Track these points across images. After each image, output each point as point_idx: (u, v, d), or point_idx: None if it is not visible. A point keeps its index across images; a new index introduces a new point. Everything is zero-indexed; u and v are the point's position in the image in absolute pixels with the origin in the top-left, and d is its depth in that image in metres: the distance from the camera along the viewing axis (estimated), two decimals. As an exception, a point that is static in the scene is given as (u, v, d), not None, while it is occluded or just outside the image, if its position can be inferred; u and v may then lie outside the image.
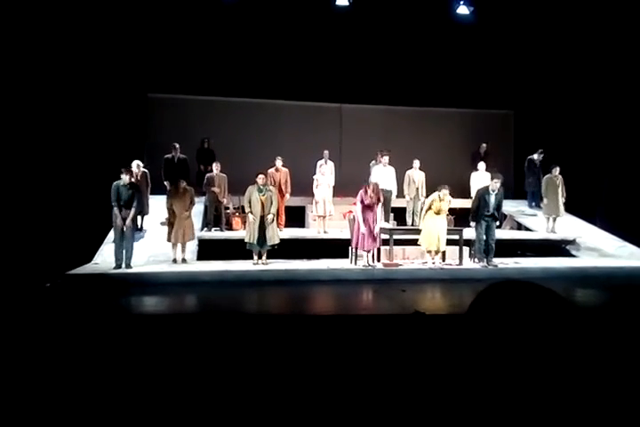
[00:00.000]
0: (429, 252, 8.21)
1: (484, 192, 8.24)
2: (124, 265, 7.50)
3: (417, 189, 10.09)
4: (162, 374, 2.91)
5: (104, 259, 7.97)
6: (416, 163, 10.26)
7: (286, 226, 9.81)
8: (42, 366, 3.01)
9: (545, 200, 10.09)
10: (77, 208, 8.20)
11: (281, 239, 8.24)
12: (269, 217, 7.91)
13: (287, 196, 9.75)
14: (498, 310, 0.96)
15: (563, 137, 11.29)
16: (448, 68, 11.94)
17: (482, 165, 10.42)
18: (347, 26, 11.30)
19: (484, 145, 11.48)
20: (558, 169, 10.10)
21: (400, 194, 10.23)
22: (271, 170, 9.69)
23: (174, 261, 7.96)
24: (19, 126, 8.77)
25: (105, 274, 7.31)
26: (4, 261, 6.67)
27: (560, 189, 9.99)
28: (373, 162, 10.61)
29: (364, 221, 7.80)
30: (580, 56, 11.04)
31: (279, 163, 9.76)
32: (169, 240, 7.99)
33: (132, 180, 8.03)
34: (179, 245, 7.99)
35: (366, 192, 7.96)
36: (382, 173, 9.85)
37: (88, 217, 8.06)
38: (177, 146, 9.87)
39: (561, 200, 9.98)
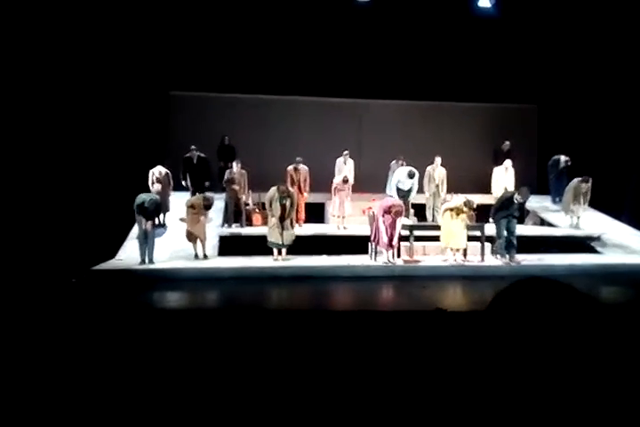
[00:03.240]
0: (450, 249, 8.14)
1: (509, 198, 8.15)
2: (147, 261, 7.62)
3: (437, 185, 9.98)
4: (183, 369, 2.94)
5: (127, 255, 8.10)
6: (437, 159, 10.10)
7: (306, 222, 9.83)
8: (68, 359, 3.08)
9: (565, 197, 9.88)
10: (101, 205, 8.34)
11: (301, 236, 8.27)
12: (287, 221, 8.04)
13: (306, 194, 9.74)
14: (518, 308, 0.95)
15: (588, 131, 11.05)
16: (469, 62, 11.78)
17: (508, 162, 10.18)
18: (367, 21, 11.23)
19: (508, 143, 11.22)
20: (590, 181, 9.67)
21: (420, 190, 10.15)
22: (290, 168, 9.70)
23: (196, 256, 8.05)
24: (44, 124, 8.95)
25: (128, 270, 7.43)
26: (32, 257, 6.83)
27: (582, 198, 9.73)
28: (394, 162, 10.51)
29: (385, 229, 7.78)
30: (606, 48, 10.78)
31: (299, 160, 9.76)
32: (187, 239, 8.11)
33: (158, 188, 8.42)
34: (198, 242, 8.09)
35: (389, 211, 7.78)
36: (403, 176, 9.76)
37: (112, 214, 8.20)
38: (193, 147, 9.96)
39: (583, 207, 9.75)
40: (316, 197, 10.33)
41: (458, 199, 8.29)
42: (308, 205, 10.05)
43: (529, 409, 0.88)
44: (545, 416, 0.88)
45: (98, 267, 7.39)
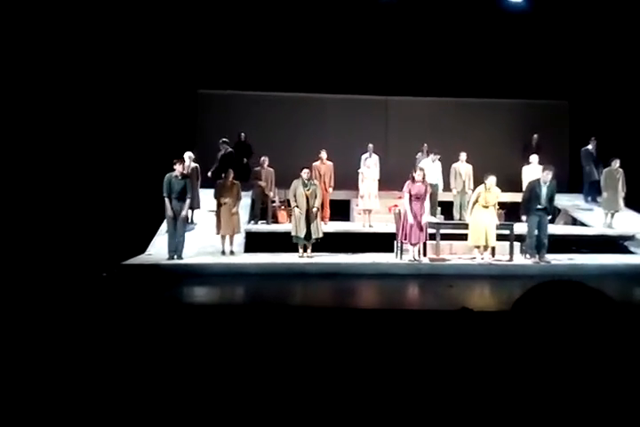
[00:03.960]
0: (478, 247, 8.02)
1: (534, 184, 7.98)
2: (175, 256, 7.74)
3: (464, 182, 9.86)
4: (209, 364, 2.99)
5: (157, 250, 8.25)
6: (463, 155, 10.02)
7: (331, 219, 9.83)
8: (99, 353, 3.16)
9: (604, 194, 9.68)
10: (132, 201, 8.52)
11: (326, 233, 8.27)
12: (314, 210, 7.95)
13: (330, 190, 9.73)
14: (542, 309, 0.94)
15: (621, 127, 10.76)
16: (498, 57, 11.58)
17: (534, 158, 10.03)
18: (393, 17, 11.14)
19: (536, 136, 11.09)
20: (618, 162, 9.66)
21: (446, 188, 10.04)
22: (316, 163, 9.72)
23: (223, 252, 8.14)
24: (80, 122, 9.17)
25: (157, 265, 7.57)
26: (65, 252, 7.03)
27: (620, 183, 9.56)
28: (420, 154, 10.44)
29: (411, 212, 7.69)
30: (638, 43, 10.45)
31: (324, 155, 9.77)
32: (218, 233, 8.16)
33: (185, 171, 8.14)
34: (227, 238, 8.15)
35: (414, 181, 7.81)
36: (430, 167, 9.70)
37: (142, 210, 8.36)
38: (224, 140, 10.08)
39: (621, 194, 9.55)
40: (340, 195, 10.33)
41: (478, 188, 8.09)
42: (333, 202, 10.05)
43: (548, 408, 0.87)
44: (564, 415, 0.87)
45: (128, 262, 7.55)
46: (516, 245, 8.30)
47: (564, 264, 7.96)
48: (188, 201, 7.79)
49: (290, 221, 8.60)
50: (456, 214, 9.96)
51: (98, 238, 7.54)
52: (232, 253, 8.16)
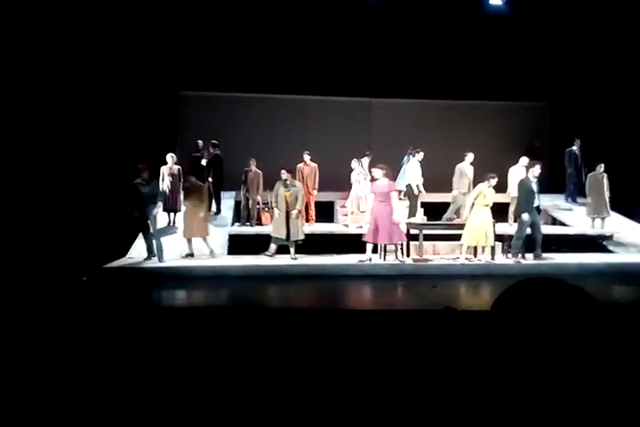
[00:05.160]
0: (475, 247, 8.01)
1: (527, 181, 8.06)
2: (155, 257, 7.64)
3: (469, 182, 9.54)
4: (191, 367, 2.96)
5: (138, 253, 8.15)
6: (470, 156, 9.76)
7: (316, 221, 9.83)
8: (77, 357, 3.11)
9: (588, 199, 9.73)
10: (113, 204, 8.41)
11: (312, 234, 8.25)
12: (294, 213, 7.90)
13: (314, 192, 9.68)
14: (522, 307, 0.94)
15: (599, 129, 10.95)
16: (480, 60, 11.71)
17: (524, 160, 9.90)
18: (376, 19, 11.19)
19: (538, 144, 11.15)
20: (603, 166, 9.71)
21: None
22: (300, 165, 9.71)
23: (188, 255, 7.95)
24: (56, 124, 9.03)
25: (139, 268, 7.48)
26: (44, 255, 6.91)
27: (605, 188, 9.62)
28: (406, 158, 10.42)
29: (372, 212, 7.68)
30: (617, 45, 10.65)
31: (307, 157, 9.75)
32: (183, 235, 8.09)
33: (170, 172, 8.08)
34: (197, 240, 7.98)
35: (372, 180, 7.82)
36: (415, 167, 9.68)
37: (123, 212, 8.26)
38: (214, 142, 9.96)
39: (606, 200, 9.60)
40: (324, 196, 10.33)
41: (478, 186, 8.12)
42: (317, 204, 10.05)
43: (533, 408, 0.87)
44: (549, 415, 0.87)
45: (109, 265, 7.45)
46: (498, 244, 8.38)
47: (544, 264, 8.06)
48: (159, 203, 7.77)
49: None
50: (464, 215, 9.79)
51: (78, 242, 7.43)
52: (212, 253, 8.03)
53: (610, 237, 9.62)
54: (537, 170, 8.03)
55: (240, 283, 7.11)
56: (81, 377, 2.78)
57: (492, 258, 8.07)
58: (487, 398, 0.93)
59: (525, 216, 7.90)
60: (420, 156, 9.89)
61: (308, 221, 9.63)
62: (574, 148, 10.89)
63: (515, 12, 11.12)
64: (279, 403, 2.49)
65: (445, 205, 9.91)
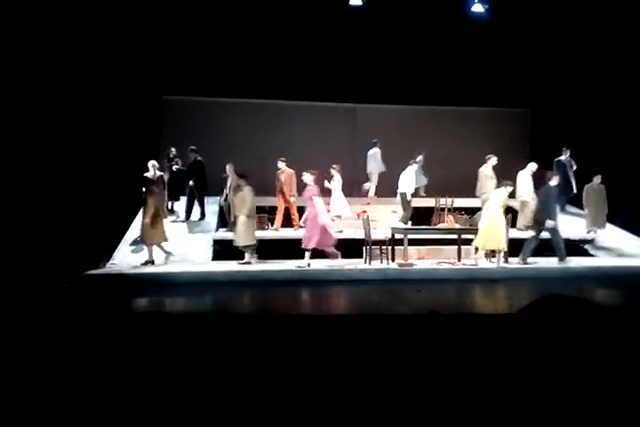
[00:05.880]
0: (493, 251, 8.11)
1: (552, 189, 8.33)
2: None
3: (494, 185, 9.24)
4: (173, 374, 2.92)
5: (121, 259, 8.06)
6: (493, 159, 9.71)
7: (284, 226, 9.67)
8: (58, 365, 3.05)
9: (586, 210, 9.74)
10: (95, 210, 8.30)
11: (294, 239, 8.22)
12: (240, 218, 7.87)
13: (292, 198, 9.51)
14: (545, 323, 0.94)
15: (581, 134, 11.12)
16: (463, 66, 11.85)
17: (533, 165, 9.84)
18: (360, 25, 11.26)
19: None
20: (600, 178, 9.71)
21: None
22: (277, 171, 9.66)
23: (147, 263, 7.91)
24: (36, 129, 8.89)
25: (121, 274, 7.38)
26: (25, 262, 6.78)
27: (602, 199, 9.63)
28: (420, 157, 10.42)
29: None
30: (598, 53, 10.86)
31: (281, 164, 9.63)
32: (143, 242, 8.08)
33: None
34: (153, 247, 7.98)
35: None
36: (413, 176, 9.70)
37: (106, 219, 8.16)
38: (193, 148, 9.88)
39: (604, 211, 9.63)
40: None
41: (498, 192, 8.22)
42: (299, 210, 9.97)
43: (526, 411, 0.87)
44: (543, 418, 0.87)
45: (91, 272, 7.34)
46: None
47: (527, 267, 8.14)
48: None
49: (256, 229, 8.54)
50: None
51: (60, 248, 7.31)
52: (167, 258, 7.96)
53: (591, 242, 9.76)
54: (557, 180, 8.38)
55: (224, 289, 7.05)
56: (62, 384, 2.72)
57: (506, 261, 8.19)
58: (472, 400, 0.93)
59: (551, 223, 8.11)
60: (419, 161, 9.97)
61: (292, 226, 9.61)
62: (562, 157, 10.83)
63: (497, 20, 11.28)
64: (263, 409, 2.46)
65: (429, 210, 9.97)
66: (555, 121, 11.80)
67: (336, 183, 9.70)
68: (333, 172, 9.76)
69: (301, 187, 9.51)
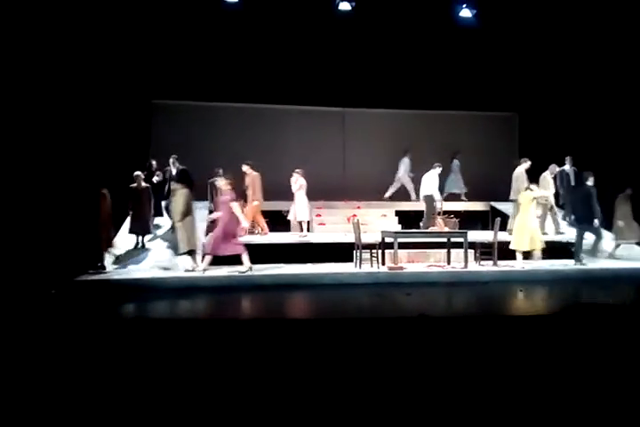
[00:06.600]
0: (532, 251, 8.29)
1: (589, 189, 8.56)
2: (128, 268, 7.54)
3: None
4: (164, 379, 2.89)
5: (109, 265, 7.98)
6: (527, 163, 9.72)
7: (272, 230, 9.64)
8: (48, 370, 3.01)
9: (619, 223, 9.56)
10: (84, 216, 8.22)
11: (284, 244, 8.19)
12: (175, 224, 7.83)
13: (255, 202, 9.36)
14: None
15: (568, 138, 11.24)
16: (451, 70, 11.94)
17: (553, 168, 10.03)
18: (349, 30, 11.32)
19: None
20: (630, 190, 9.61)
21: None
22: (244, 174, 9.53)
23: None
24: (25, 133, 8.81)
25: (111, 279, 7.32)
26: (12, 268, 6.69)
27: (630, 211, 9.55)
28: (456, 161, 10.75)
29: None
30: (585, 57, 11.01)
31: (245, 168, 9.51)
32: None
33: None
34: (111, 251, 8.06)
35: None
36: (436, 180, 9.76)
37: (94, 224, 8.09)
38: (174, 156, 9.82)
39: (636, 223, 9.50)
40: (286, 206, 10.08)
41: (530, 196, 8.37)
42: (278, 214, 9.88)
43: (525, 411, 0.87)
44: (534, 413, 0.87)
45: (79, 278, 7.27)
46: (470, 252, 8.49)
47: (517, 270, 8.20)
48: None
49: (245, 233, 8.50)
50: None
51: (47, 254, 7.23)
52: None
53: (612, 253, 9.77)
54: (592, 179, 8.64)
55: (213, 294, 7.02)
56: (52, 389, 2.69)
57: (542, 258, 8.44)
58: (462, 403, 0.93)
59: (598, 222, 8.46)
60: (454, 165, 10.27)
61: (261, 231, 9.46)
62: (566, 167, 10.74)
63: (485, 25, 11.39)
64: (252, 412, 2.45)
65: (419, 214, 10.03)
66: (542, 125, 11.92)
67: (298, 187, 9.64)
68: (297, 176, 9.70)
69: (270, 191, 9.51)
